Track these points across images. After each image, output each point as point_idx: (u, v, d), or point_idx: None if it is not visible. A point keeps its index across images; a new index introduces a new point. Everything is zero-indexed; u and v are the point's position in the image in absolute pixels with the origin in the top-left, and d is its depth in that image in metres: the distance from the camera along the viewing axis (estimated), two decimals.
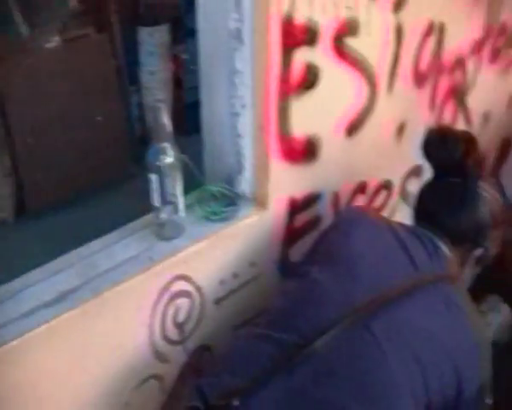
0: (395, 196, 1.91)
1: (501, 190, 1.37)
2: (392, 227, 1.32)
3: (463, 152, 1.28)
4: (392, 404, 1.07)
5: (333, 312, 1.14)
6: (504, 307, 2.28)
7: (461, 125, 2.03)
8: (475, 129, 2.11)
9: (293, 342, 1.12)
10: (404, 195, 1.92)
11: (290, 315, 1.19)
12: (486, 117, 2.18)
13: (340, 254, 1.27)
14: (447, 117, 1.96)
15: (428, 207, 1.36)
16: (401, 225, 1.36)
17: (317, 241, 1.39)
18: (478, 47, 1.94)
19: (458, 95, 1.96)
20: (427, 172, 1.40)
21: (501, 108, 2.27)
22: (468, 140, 1.31)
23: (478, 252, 1.34)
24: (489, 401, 1.19)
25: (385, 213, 1.88)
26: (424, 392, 1.09)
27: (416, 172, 1.89)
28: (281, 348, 1.12)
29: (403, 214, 1.94)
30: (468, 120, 2.05)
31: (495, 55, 2.06)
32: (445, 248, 1.28)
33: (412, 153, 1.79)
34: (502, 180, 2.24)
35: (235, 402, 1.06)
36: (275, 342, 1.14)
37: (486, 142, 2.25)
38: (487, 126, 2.20)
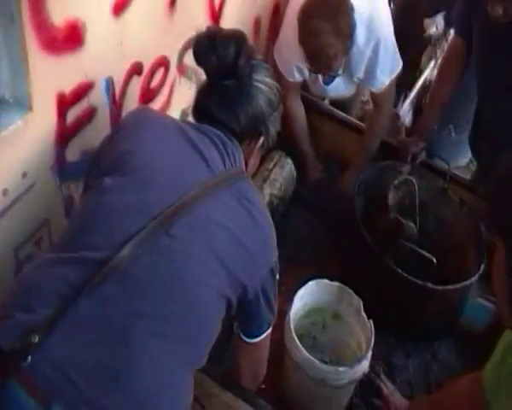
0: (174, 73, 1.80)
1: None
2: (181, 128, 1.27)
3: (234, 54, 1.25)
4: (197, 300, 1.11)
5: (131, 223, 1.09)
6: (287, 162, 2.42)
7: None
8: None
9: (92, 261, 1.05)
10: (182, 70, 1.83)
11: (85, 233, 1.11)
12: None
13: (132, 160, 1.19)
14: None
15: (206, 109, 1.31)
16: (188, 123, 1.31)
17: (103, 145, 1.29)
18: None
19: None
20: None
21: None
22: (238, 40, 1.27)
23: (261, 140, 1.37)
24: (277, 277, 1.32)
25: (164, 91, 1.78)
26: (227, 286, 1.15)
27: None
28: (79, 269, 1.04)
29: (183, 90, 1.87)
30: None
31: None
32: (231, 145, 1.28)
33: (187, 25, 1.70)
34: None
35: (34, 339, 0.97)
36: (72, 263, 1.06)
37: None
38: None
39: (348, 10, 1.93)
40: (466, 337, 2.14)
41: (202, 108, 1.33)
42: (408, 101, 3.12)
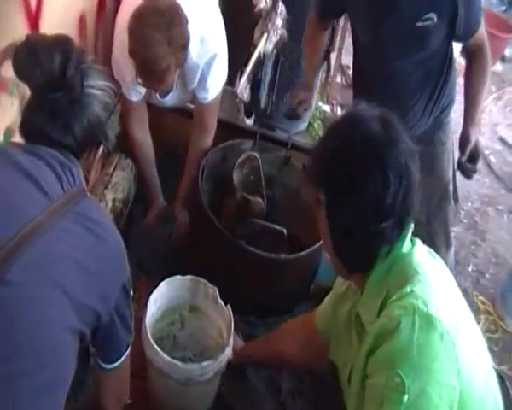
0: None
1: None
2: (6, 153, 1.12)
3: (61, 64, 1.11)
4: (43, 343, 1.00)
5: None
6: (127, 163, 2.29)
7: None
8: None
9: None
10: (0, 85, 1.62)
11: None
12: None
13: None
14: None
15: (36, 126, 1.15)
16: (15, 146, 1.16)
17: None
18: None
19: None
20: None
21: None
22: (64, 48, 1.14)
23: (100, 149, 1.26)
24: (132, 293, 1.23)
25: None
26: (77, 319, 1.05)
27: None
28: None
29: (5, 106, 1.65)
30: None
31: None
32: (69, 163, 1.15)
33: None
34: None
35: None
36: None
37: None
38: None
39: (183, 21, 1.80)
40: (323, 295, 2.18)
41: (31, 126, 1.17)
42: (244, 77, 3.11)
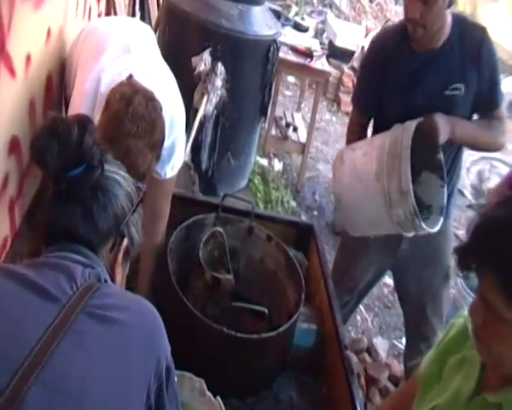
0: None
1: None
2: (8, 271, 1.02)
3: (78, 134, 1.06)
4: None
5: None
6: None
7: (5, 78, 1.62)
8: (20, 78, 1.74)
9: None
10: None
11: None
12: (28, 59, 1.79)
13: None
14: None
15: (52, 223, 1.08)
16: (24, 266, 1.05)
17: None
18: None
19: None
20: None
21: (41, 46, 1.94)
22: (80, 120, 1.10)
23: (124, 243, 1.16)
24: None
25: None
26: None
27: None
28: None
29: None
30: (11, 71, 1.64)
31: None
32: (85, 259, 1.06)
33: None
34: None
35: None
36: None
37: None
38: (30, 68, 1.82)
39: (161, 116, 1.68)
40: (298, 364, 2.13)
41: (50, 221, 1.09)
42: (190, 142, 3.08)
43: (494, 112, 2.29)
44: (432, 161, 2.31)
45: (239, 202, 2.35)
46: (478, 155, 6.70)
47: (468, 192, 5.99)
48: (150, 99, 1.64)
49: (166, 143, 1.83)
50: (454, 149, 2.37)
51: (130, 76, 1.71)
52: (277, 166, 4.70)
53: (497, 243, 1.00)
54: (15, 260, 1.67)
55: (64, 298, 0.98)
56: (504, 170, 5.41)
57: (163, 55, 3.31)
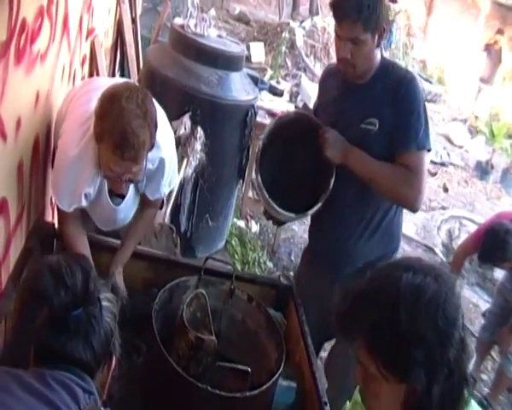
0: None
1: None
2: (17, 376, 1.08)
3: (83, 280, 1.17)
4: None
5: None
6: None
7: None
8: (10, 141, 1.81)
9: None
10: None
11: None
12: (19, 123, 1.90)
13: None
14: None
15: (53, 348, 1.15)
16: (29, 376, 1.11)
17: None
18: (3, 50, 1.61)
19: None
20: None
21: (30, 109, 2.03)
22: (83, 265, 1.21)
23: (113, 362, 1.27)
24: None
25: None
26: None
27: None
28: None
29: None
30: (2, 135, 1.72)
31: (20, 56, 1.78)
32: (83, 383, 1.15)
33: None
34: None
35: None
36: None
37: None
38: (19, 132, 1.91)
39: (154, 109, 1.90)
40: None
41: (51, 347, 1.16)
42: (170, 205, 3.14)
43: (405, 156, 2.16)
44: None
45: (220, 264, 2.39)
46: (447, 213, 6.92)
47: (438, 250, 6.13)
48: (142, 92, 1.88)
49: (150, 164, 2.01)
50: (383, 208, 2.33)
51: None
52: (254, 227, 4.78)
53: (365, 313, 1.14)
54: None
55: None
56: (473, 228, 5.57)
57: None
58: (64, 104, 2.29)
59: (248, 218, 4.82)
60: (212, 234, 4.08)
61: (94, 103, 1.90)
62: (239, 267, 4.35)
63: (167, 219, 3.39)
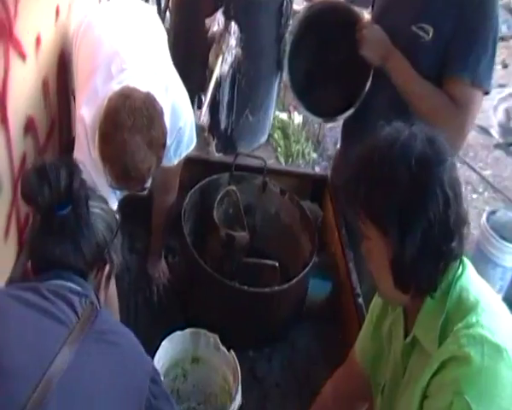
0: None
1: None
2: (12, 294, 1.13)
3: (67, 177, 1.16)
4: None
5: None
6: None
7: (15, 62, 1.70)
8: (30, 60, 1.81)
9: None
10: None
11: None
12: (38, 40, 1.87)
13: None
14: None
15: (48, 252, 1.20)
16: (20, 288, 1.17)
17: None
18: None
19: None
20: None
21: (50, 26, 2.01)
22: (68, 164, 1.20)
23: (106, 269, 1.29)
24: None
25: None
26: None
27: None
28: None
29: None
30: (21, 53, 1.71)
31: None
32: (78, 287, 1.19)
33: None
34: None
35: None
36: None
37: None
38: (40, 50, 1.89)
39: (161, 114, 1.65)
40: (314, 313, 2.23)
41: (42, 251, 1.21)
42: (206, 104, 3.13)
43: (455, 84, 1.80)
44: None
45: (252, 159, 2.41)
46: (506, 91, 6.57)
47: (494, 131, 5.88)
48: (149, 96, 1.66)
49: (170, 140, 1.83)
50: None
51: None
52: (297, 119, 4.70)
53: (356, 175, 1.18)
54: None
55: (68, 322, 1.10)
56: None
57: (175, 19, 3.31)
58: (77, 34, 2.09)
59: (291, 109, 4.74)
60: (253, 129, 4.06)
61: (103, 69, 1.81)
62: (282, 161, 4.35)
63: (206, 118, 3.40)
